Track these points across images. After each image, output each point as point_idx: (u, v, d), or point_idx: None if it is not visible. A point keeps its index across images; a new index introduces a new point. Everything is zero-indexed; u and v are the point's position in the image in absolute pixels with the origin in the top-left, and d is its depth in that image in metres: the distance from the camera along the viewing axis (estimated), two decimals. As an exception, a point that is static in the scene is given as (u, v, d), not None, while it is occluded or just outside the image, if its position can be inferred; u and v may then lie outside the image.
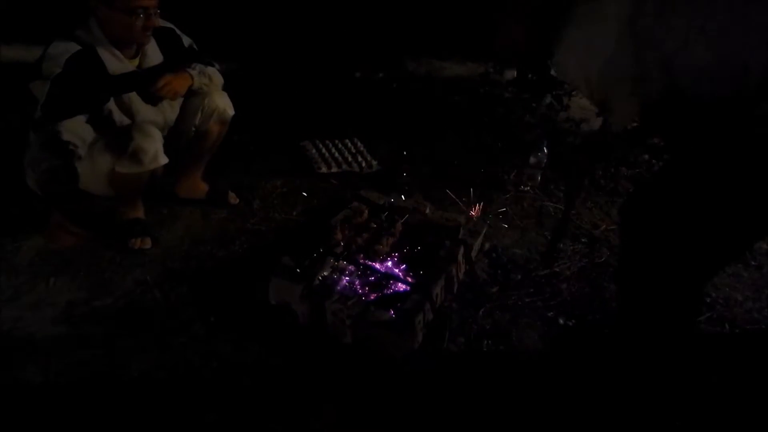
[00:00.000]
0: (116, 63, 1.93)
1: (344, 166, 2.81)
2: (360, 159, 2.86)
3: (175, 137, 2.18)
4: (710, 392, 1.61)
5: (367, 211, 2.19)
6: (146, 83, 1.96)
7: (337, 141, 3.01)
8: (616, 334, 1.66)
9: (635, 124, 1.35)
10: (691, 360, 1.65)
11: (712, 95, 1.14)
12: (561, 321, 1.90)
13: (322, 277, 1.82)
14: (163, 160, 1.97)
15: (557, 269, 2.15)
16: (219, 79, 2.21)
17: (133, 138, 1.92)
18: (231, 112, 2.24)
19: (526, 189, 2.72)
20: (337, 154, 2.88)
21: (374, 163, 2.86)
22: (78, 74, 1.80)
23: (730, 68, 1.11)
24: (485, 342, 1.79)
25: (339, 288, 1.80)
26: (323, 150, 2.91)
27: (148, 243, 2.11)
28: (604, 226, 2.47)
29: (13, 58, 3.26)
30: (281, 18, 3.75)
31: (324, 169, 2.78)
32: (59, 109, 1.78)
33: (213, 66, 2.19)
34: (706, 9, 1.11)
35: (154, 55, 2.04)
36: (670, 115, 1.23)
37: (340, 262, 1.89)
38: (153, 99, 2.03)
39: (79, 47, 1.82)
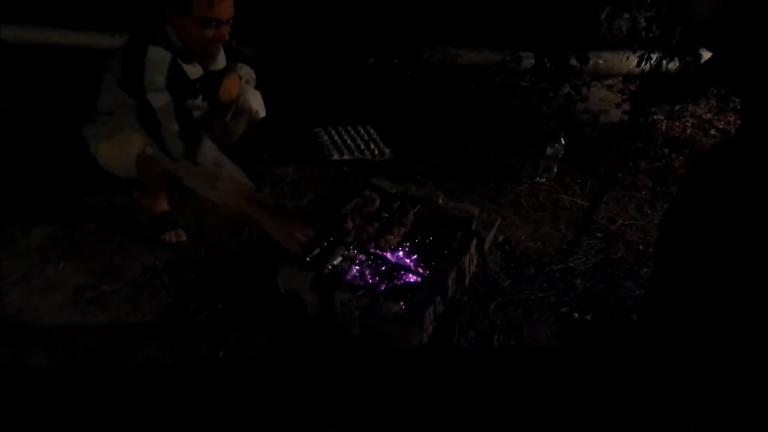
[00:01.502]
0: (192, 69, 1.90)
1: (356, 154, 2.77)
2: (372, 147, 2.82)
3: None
4: (727, 396, 1.56)
5: (378, 200, 2.15)
6: (210, 89, 1.97)
7: (349, 128, 2.97)
8: (634, 333, 1.62)
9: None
10: (708, 363, 1.60)
11: None
12: (575, 317, 1.86)
13: (331, 266, 1.79)
14: None
15: (572, 264, 2.11)
16: (253, 79, 2.20)
17: None
18: (263, 114, 2.21)
19: (541, 181, 2.66)
20: (349, 141, 2.84)
21: (387, 151, 2.81)
22: (174, 86, 1.76)
23: None
24: (496, 337, 1.75)
25: (348, 278, 1.77)
26: (335, 137, 2.87)
27: (183, 236, 2.08)
28: (620, 221, 2.41)
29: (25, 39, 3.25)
30: (295, 3, 3.69)
31: (336, 157, 2.74)
32: (186, 140, 1.71)
33: (247, 63, 2.18)
34: None
35: (220, 59, 2.02)
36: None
37: (351, 251, 1.86)
38: (215, 105, 2.02)
39: (170, 54, 1.77)
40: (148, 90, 1.69)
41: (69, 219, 2.12)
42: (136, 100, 1.70)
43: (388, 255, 1.89)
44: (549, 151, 2.65)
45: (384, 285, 1.77)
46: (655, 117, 3.32)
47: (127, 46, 1.75)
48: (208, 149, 1.73)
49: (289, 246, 1.75)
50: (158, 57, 1.74)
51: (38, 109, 2.80)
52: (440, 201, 2.18)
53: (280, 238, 1.76)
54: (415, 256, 1.92)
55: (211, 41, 1.81)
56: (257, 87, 2.24)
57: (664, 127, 3.32)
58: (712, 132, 3.43)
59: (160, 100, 1.70)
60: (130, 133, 1.86)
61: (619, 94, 3.95)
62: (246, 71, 2.15)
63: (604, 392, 1.55)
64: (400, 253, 1.93)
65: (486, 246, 2.07)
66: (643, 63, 3.25)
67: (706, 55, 3.61)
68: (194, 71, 1.91)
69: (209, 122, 2.10)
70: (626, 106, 3.54)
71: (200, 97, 1.96)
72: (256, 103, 2.18)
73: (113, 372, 1.54)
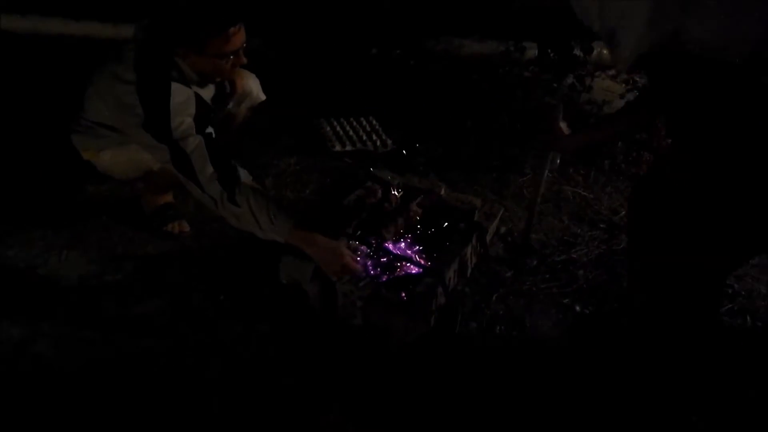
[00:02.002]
0: (205, 92, 1.88)
1: (358, 145, 2.76)
2: (375, 138, 2.81)
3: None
4: (729, 386, 1.57)
5: (380, 192, 2.15)
6: (225, 96, 1.99)
7: (351, 119, 2.95)
8: (631, 324, 1.62)
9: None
10: (710, 352, 1.60)
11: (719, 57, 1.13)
12: (577, 308, 1.86)
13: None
14: None
15: (574, 255, 2.10)
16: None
17: None
18: (263, 97, 2.19)
19: (544, 173, 2.64)
20: (351, 133, 2.83)
21: (389, 142, 2.80)
22: (200, 119, 1.73)
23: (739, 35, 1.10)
24: (498, 328, 1.76)
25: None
26: (337, 128, 2.86)
27: (186, 227, 2.08)
28: (623, 212, 2.41)
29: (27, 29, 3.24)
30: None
31: (338, 148, 2.73)
32: (223, 182, 1.67)
33: None
34: None
35: None
36: (674, 70, 1.21)
37: (352, 242, 1.86)
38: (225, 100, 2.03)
39: (190, 90, 1.74)
40: (179, 137, 1.65)
41: (72, 208, 2.13)
42: (166, 145, 1.65)
43: (390, 246, 1.89)
44: (552, 142, 2.64)
45: (386, 276, 1.77)
46: (660, 108, 3.29)
47: (144, 85, 1.64)
48: (246, 189, 1.67)
49: (332, 276, 1.70)
50: (183, 98, 1.69)
51: (40, 99, 2.80)
52: (442, 192, 2.18)
53: (324, 269, 1.70)
54: (417, 247, 1.92)
55: (231, 69, 1.76)
56: (258, 76, 2.24)
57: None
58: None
59: (191, 144, 1.65)
60: (142, 150, 1.79)
61: (623, 85, 3.92)
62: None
63: (606, 383, 1.55)
64: (402, 244, 1.93)
65: (488, 237, 2.07)
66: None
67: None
68: (209, 93, 1.89)
69: (214, 113, 2.10)
70: (631, 96, 3.51)
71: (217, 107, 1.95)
72: (256, 87, 2.16)
73: (115, 364, 1.55)
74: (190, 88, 1.74)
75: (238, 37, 1.68)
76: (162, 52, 1.68)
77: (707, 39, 1.11)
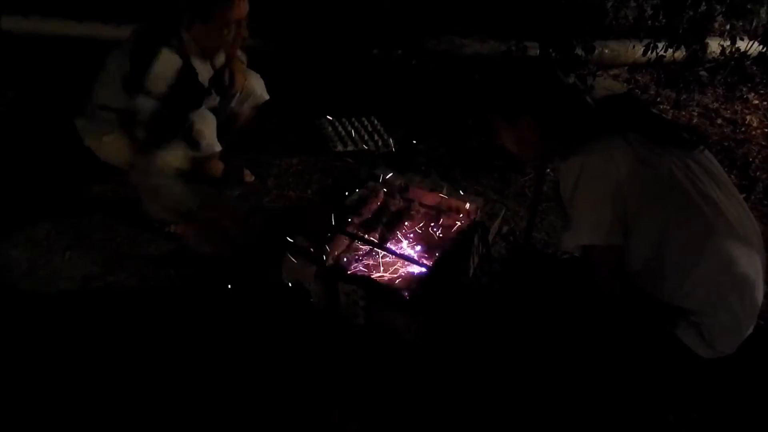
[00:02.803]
0: (203, 71, 1.92)
1: (360, 145, 2.77)
2: (376, 138, 2.81)
3: None
4: (729, 385, 1.57)
5: (382, 192, 2.15)
6: (223, 84, 2.02)
7: (353, 119, 2.96)
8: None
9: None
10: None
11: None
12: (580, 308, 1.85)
13: (335, 257, 1.80)
14: (217, 147, 1.96)
15: (577, 255, 2.10)
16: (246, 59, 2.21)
17: (194, 122, 1.92)
18: (266, 96, 2.22)
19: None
20: (353, 133, 2.84)
21: (391, 142, 2.81)
22: (177, 93, 1.80)
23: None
24: (500, 328, 1.75)
25: (352, 269, 1.78)
26: (339, 128, 2.87)
27: (188, 227, 2.09)
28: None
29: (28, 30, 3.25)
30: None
31: (340, 148, 2.74)
32: (144, 149, 1.82)
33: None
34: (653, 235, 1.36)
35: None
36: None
37: (355, 242, 1.86)
38: (225, 95, 2.06)
39: (181, 61, 1.79)
40: (142, 93, 1.72)
41: (75, 209, 2.13)
42: (129, 94, 1.74)
43: (392, 246, 1.89)
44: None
45: (387, 276, 1.78)
46: (661, 107, 3.29)
47: (138, 45, 1.74)
48: (162, 167, 1.81)
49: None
50: (168, 63, 1.75)
51: (42, 99, 2.81)
52: (444, 192, 2.18)
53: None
54: (419, 247, 1.93)
55: (232, 42, 1.83)
56: (262, 76, 2.25)
57: (669, 117, 3.29)
58: (719, 121, 3.40)
59: (144, 107, 1.74)
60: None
61: (625, 84, 3.92)
62: (241, 55, 2.14)
63: (596, 386, 1.55)
64: (404, 244, 1.93)
65: (490, 237, 2.07)
66: (650, 52, 3.22)
67: (713, 43, 3.56)
68: (206, 72, 1.92)
69: (217, 110, 2.11)
70: (632, 96, 3.51)
71: (213, 93, 1.98)
72: (259, 87, 2.19)
73: (115, 364, 1.56)
74: (189, 60, 1.79)
75: (243, 5, 1.76)
76: (168, 17, 1.77)
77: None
